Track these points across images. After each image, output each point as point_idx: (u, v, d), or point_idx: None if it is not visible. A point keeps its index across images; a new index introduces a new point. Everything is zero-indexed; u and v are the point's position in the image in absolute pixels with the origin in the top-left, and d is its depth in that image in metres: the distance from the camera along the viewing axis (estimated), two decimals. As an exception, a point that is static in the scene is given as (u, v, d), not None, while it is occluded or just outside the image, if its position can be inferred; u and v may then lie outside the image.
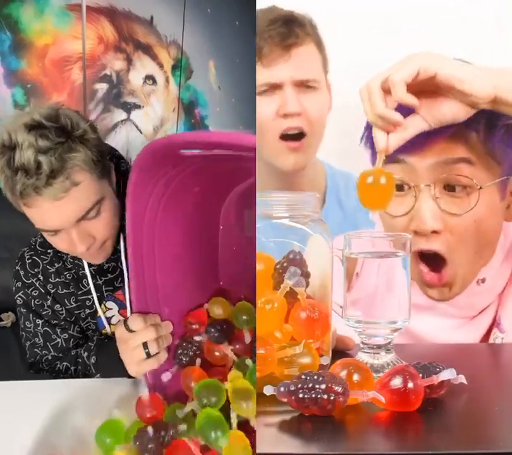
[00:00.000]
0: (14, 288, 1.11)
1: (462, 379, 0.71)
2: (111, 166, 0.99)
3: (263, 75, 1.17)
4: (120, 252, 1.04)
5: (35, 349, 1.08)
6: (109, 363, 0.92)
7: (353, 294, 0.80)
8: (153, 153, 0.73)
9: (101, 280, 1.07)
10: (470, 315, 1.01)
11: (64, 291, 1.08)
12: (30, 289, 1.08)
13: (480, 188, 0.91)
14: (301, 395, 0.66)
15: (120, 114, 2.36)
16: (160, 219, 0.83)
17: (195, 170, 0.80)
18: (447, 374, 0.69)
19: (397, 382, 0.68)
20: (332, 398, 0.66)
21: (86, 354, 1.00)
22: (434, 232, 0.93)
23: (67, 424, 0.81)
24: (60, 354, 1.07)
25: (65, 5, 2.16)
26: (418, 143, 0.84)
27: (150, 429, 0.68)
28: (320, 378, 0.66)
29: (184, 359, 0.84)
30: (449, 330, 1.00)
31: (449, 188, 0.93)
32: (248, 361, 0.79)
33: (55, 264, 1.08)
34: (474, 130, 0.89)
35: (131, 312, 1.04)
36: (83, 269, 1.06)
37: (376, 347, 0.79)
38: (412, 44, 1.13)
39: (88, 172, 0.89)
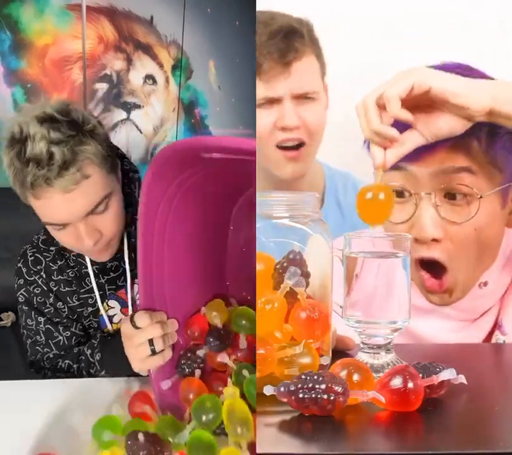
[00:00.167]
0: (16, 285, 1.11)
1: (462, 379, 0.71)
2: (118, 163, 0.99)
3: (262, 90, 1.17)
4: (123, 251, 1.05)
5: (37, 347, 1.08)
6: (114, 360, 0.93)
7: (352, 294, 0.80)
8: (175, 153, 0.73)
9: (104, 278, 1.08)
10: (472, 318, 1.01)
11: (67, 288, 1.08)
12: (32, 286, 1.08)
13: (481, 197, 0.91)
14: (301, 395, 0.66)
15: (120, 114, 2.36)
16: (172, 218, 0.83)
17: (208, 172, 0.80)
18: (447, 374, 0.69)
19: (397, 382, 0.68)
20: (332, 398, 0.66)
21: (89, 351, 1.00)
22: (434, 240, 0.93)
23: (67, 423, 0.81)
24: (62, 352, 1.07)
25: (65, 5, 2.16)
26: (419, 151, 0.84)
27: (141, 436, 0.68)
28: (320, 378, 0.66)
29: (187, 370, 0.83)
30: (451, 332, 1.00)
31: (450, 196, 0.92)
32: (245, 372, 0.79)
33: (58, 262, 1.08)
34: (475, 138, 0.89)
35: (133, 310, 1.06)
36: (86, 267, 1.06)
37: (376, 347, 0.79)
38: (414, 48, 1.14)
39: (98, 166, 0.90)
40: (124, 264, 1.06)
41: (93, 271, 1.06)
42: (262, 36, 1.15)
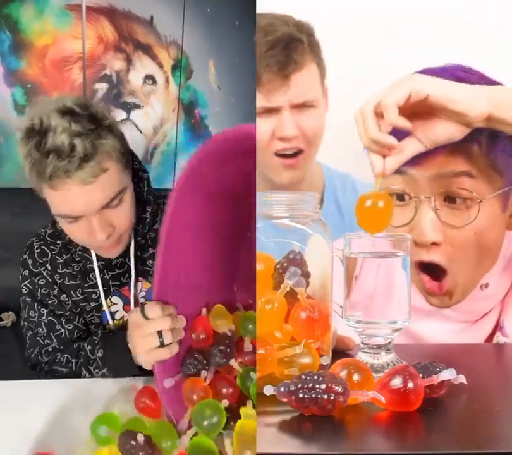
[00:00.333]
0: (20, 276, 1.11)
1: (462, 379, 0.71)
2: (130, 159, 1.00)
3: (261, 101, 1.17)
4: (129, 248, 1.05)
5: (37, 338, 1.07)
6: (117, 357, 0.92)
7: (352, 294, 0.80)
8: (225, 142, 0.73)
9: (108, 274, 1.08)
10: (473, 320, 1.01)
11: (71, 282, 1.08)
12: (37, 278, 1.08)
13: (480, 201, 0.91)
14: (301, 395, 0.66)
15: (120, 114, 2.36)
16: (198, 219, 0.82)
17: (241, 173, 0.80)
18: (447, 374, 0.69)
19: (397, 382, 0.68)
20: (332, 398, 0.66)
21: (89, 347, 0.99)
22: (434, 243, 0.93)
23: (67, 423, 0.81)
24: (62, 346, 1.06)
25: (65, 5, 2.16)
26: (419, 155, 0.84)
27: (140, 437, 0.68)
28: (320, 378, 0.66)
29: (192, 370, 0.82)
30: (452, 334, 1.00)
31: (450, 199, 0.92)
32: (253, 374, 0.79)
33: (64, 255, 1.08)
34: (476, 142, 0.89)
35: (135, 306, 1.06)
36: (91, 263, 1.06)
37: (376, 347, 0.79)
38: (414, 48, 1.14)
39: (115, 160, 0.92)
40: (130, 261, 1.06)
41: (99, 267, 1.06)
42: (261, 47, 1.15)
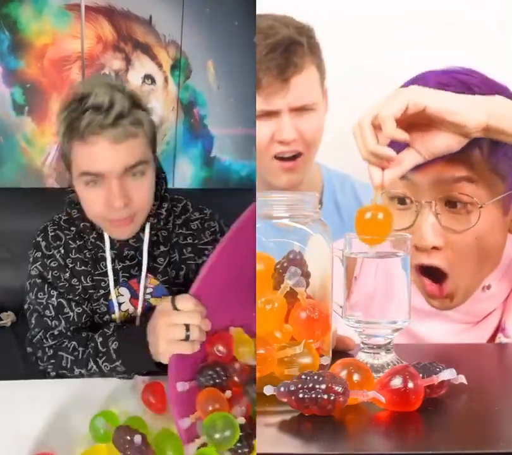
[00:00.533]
0: (31, 258, 1.10)
1: (462, 379, 0.71)
2: (155, 142, 1.04)
3: (261, 104, 1.17)
4: (142, 241, 1.06)
5: (45, 319, 1.06)
6: (133, 350, 0.91)
7: (352, 294, 0.80)
8: None
9: (119, 265, 1.08)
10: (475, 321, 1.01)
11: (82, 268, 1.08)
12: (49, 260, 1.08)
13: (481, 206, 0.91)
14: (301, 395, 0.66)
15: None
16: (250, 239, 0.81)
17: None
18: (447, 374, 0.69)
19: (397, 382, 0.68)
20: (332, 398, 0.66)
21: (101, 339, 0.98)
22: (435, 247, 0.93)
23: (67, 423, 0.81)
24: (69, 332, 1.05)
25: (64, 5, 2.15)
26: None
27: (137, 438, 0.68)
28: (320, 378, 0.66)
29: (210, 381, 0.79)
30: (454, 335, 1.00)
31: (451, 204, 0.92)
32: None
33: (77, 241, 1.09)
34: (477, 146, 0.88)
35: (143, 304, 1.08)
36: (103, 251, 1.07)
37: (376, 347, 0.79)
38: (414, 48, 1.14)
39: (144, 131, 0.98)
40: (139, 255, 1.08)
41: (111, 255, 1.07)
42: (261, 50, 1.15)
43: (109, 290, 1.08)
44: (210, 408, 0.73)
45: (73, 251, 1.08)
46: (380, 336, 0.79)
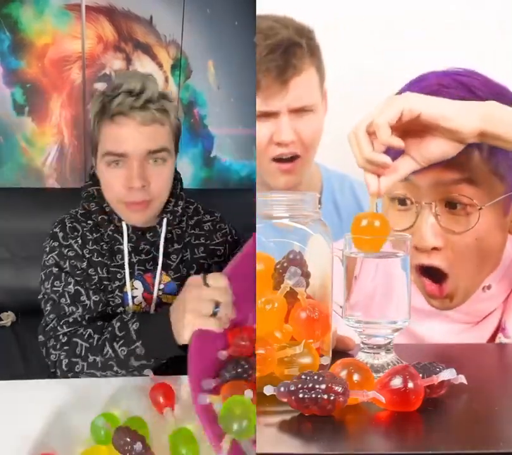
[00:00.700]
0: (47, 248, 1.10)
1: (462, 379, 0.71)
2: (179, 135, 1.09)
3: (260, 105, 1.18)
4: (158, 236, 1.09)
5: (61, 306, 1.05)
6: (155, 330, 0.91)
7: (352, 294, 0.80)
8: None
9: (135, 258, 1.10)
10: (475, 321, 1.01)
11: (99, 259, 1.09)
12: (67, 250, 1.08)
13: (480, 208, 0.91)
14: (301, 395, 0.66)
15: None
16: None
17: None
18: (447, 374, 0.69)
19: (397, 382, 0.68)
20: (332, 398, 0.66)
21: (118, 324, 0.97)
22: (435, 248, 0.93)
23: (67, 423, 0.81)
24: (85, 321, 1.04)
25: (64, 5, 2.16)
26: None
27: (138, 445, 0.68)
28: (320, 378, 0.66)
29: (234, 374, 0.78)
30: (454, 335, 1.00)
31: (451, 205, 0.92)
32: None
33: (94, 234, 1.10)
34: (477, 148, 0.89)
35: (158, 297, 1.10)
36: (120, 244, 1.09)
37: (376, 347, 0.79)
38: (414, 48, 1.14)
39: (169, 120, 1.04)
40: (154, 250, 1.10)
41: (128, 248, 1.08)
42: (261, 51, 1.15)
43: (124, 282, 1.09)
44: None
45: (90, 242, 1.09)
46: (380, 336, 0.79)
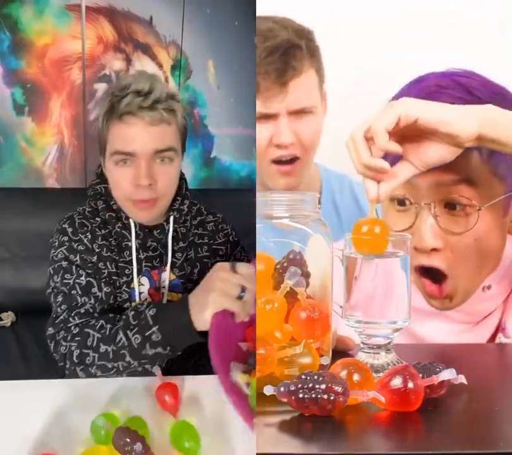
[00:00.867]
0: (56, 243, 1.09)
1: (462, 379, 0.71)
2: (185, 137, 1.11)
3: (259, 107, 1.18)
4: (166, 234, 1.11)
5: (73, 296, 1.04)
6: (172, 314, 0.91)
7: (353, 294, 0.80)
8: None
9: (143, 255, 1.10)
10: (475, 321, 1.01)
11: (108, 254, 1.09)
12: (77, 244, 1.08)
13: (479, 209, 0.91)
14: (301, 395, 0.66)
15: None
16: None
17: None
18: (447, 374, 0.69)
19: (397, 382, 0.68)
20: (332, 398, 0.66)
21: (133, 313, 0.95)
22: (434, 249, 0.93)
23: (67, 423, 0.81)
24: (96, 313, 1.04)
25: (64, 5, 2.16)
26: None
27: (138, 446, 0.68)
28: (320, 378, 0.66)
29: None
30: (454, 335, 1.00)
31: (450, 206, 0.92)
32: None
33: (102, 230, 1.10)
34: (476, 149, 0.88)
35: (162, 295, 1.10)
36: (128, 240, 1.09)
37: (376, 347, 0.79)
38: (414, 48, 1.14)
39: (176, 121, 1.05)
40: (161, 248, 1.12)
41: (135, 245, 1.09)
42: (260, 53, 1.15)
43: (132, 278, 1.09)
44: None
45: (100, 237, 1.09)
46: (380, 336, 0.79)
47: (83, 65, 2.22)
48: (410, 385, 0.67)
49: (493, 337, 1.01)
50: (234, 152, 2.47)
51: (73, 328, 1.00)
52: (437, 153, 0.80)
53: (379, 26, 1.22)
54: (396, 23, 1.21)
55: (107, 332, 0.96)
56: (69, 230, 1.10)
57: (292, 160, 1.24)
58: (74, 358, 0.97)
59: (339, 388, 0.66)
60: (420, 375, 0.69)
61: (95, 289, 1.06)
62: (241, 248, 1.23)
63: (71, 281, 1.05)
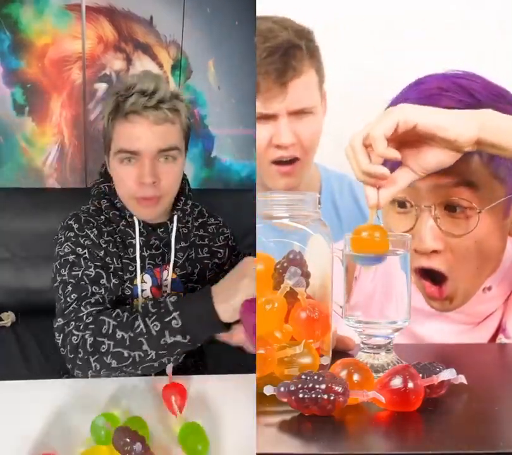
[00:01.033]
0: (62, 238, 1.08)
1: (462, 379, 0.71)
2: (189, 137, 1.12)
3: (259, 107, 1.18)
4: (169, 232, 1.11)
5: (83, 286, 1.02)
6: (194, 300, 0.92)
7: (352, 294, 0.80)
8: None
9: (146, 252, 1.11)
10: (476, 322, 1.01)
11: (114, 249, 1.09)
12: (83, 239, 1.07)
13: (480, 211, 0.91)
14: (301, 395, 0.66)
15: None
16: None
17: None
18: (447, 374, 0.69)
19: (397, 382, 0.68)
20: (332, 398, 0.66)
21: (152, 302, 0.95)
22: (434, 251, 0.93)
23: (67, 423, 0.81)
24: (107, 301, 1.03)
25: (64, 5, 2.16)
26: None
27: (138, 446, 0.68)
28: (320, 378, 0.66)
29: None
30: (455, 335, 1.00)
31: (450, 208, 0.92)
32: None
33: (107, 227, 1.11)
34: (477, 152, 0.88)
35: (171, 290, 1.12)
36: (132, 238, 1.10)
37: (376, 347, 0.79)
38: (414, 48, 1.13)
39: (180, 120, 1.07)
40: (164, 246, 1.12)
41: (139, 243, 1.10)
42: (260, 53, 1.15)
43: (135, 275, 1.10)
44: None
45: (105, 233, 1.10)
46: (380, 336, 0.79)
47: (83, 65, 2.22)
48: (410, 385, 0.67)
49: (493, 337, 1.01)
50: (234, 152, 2.47)
51: (85, 317, 0.97)
52: (436, 158, 0.80)
53: (379, 26, 1.22)
54: (396, 23, 1.21)
55: (125, 319, 0.93)
56: (75, 226, 1.09)
57: (292, 161, 1.24)
58: (88, 347, 0.92)
59: (339, 388, 0.66)
60: (420, 375, 0.69)
61: (103, 280, 1.05)
62: (237, 253, 1.24)
63: (80, 273, 1.04)
